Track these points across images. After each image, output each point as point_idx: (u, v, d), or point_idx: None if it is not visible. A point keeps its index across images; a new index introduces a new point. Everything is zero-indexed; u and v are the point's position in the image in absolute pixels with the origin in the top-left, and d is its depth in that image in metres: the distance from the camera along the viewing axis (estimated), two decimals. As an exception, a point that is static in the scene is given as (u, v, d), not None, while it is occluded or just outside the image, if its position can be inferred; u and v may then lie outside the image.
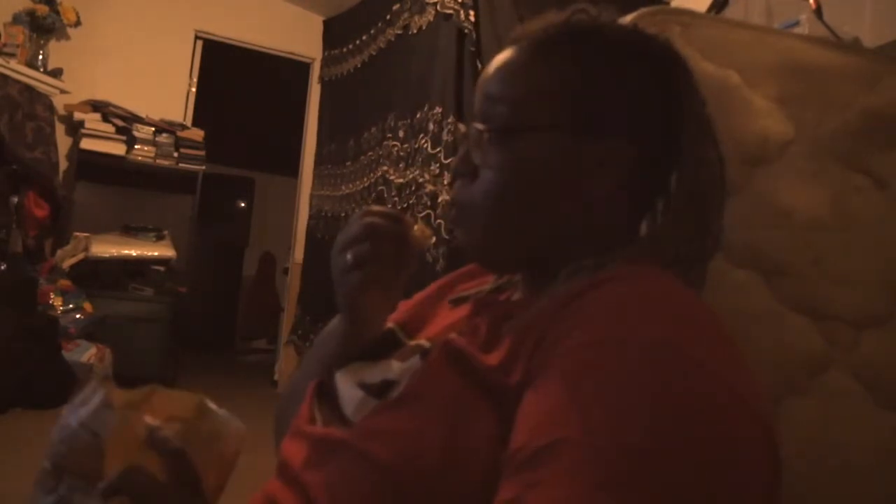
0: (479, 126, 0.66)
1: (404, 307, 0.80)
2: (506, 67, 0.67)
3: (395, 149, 3.68)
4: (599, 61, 0.64)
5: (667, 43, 0.68)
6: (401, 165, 3.59)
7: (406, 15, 3.80)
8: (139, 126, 4.18)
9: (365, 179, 4.10)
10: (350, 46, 4.56)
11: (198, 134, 4.41)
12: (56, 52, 4.07)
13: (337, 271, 0.69)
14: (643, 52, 0.66)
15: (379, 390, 0.63)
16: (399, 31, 3.91)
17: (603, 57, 0.64)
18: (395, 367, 0.66)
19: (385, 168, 3.78)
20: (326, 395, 0.68)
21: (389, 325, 0.77)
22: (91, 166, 4.15)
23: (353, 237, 0.67)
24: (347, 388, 0.66)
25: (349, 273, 0.67)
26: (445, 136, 3.20)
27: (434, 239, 2.93)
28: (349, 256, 0.67)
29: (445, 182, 3.13)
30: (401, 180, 3.54)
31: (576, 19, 0.67)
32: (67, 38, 4.17)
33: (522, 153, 0.64)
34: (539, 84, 0.64)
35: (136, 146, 4.15)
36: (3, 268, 3.32)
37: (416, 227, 0.69)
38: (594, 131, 0.63)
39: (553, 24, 0.67)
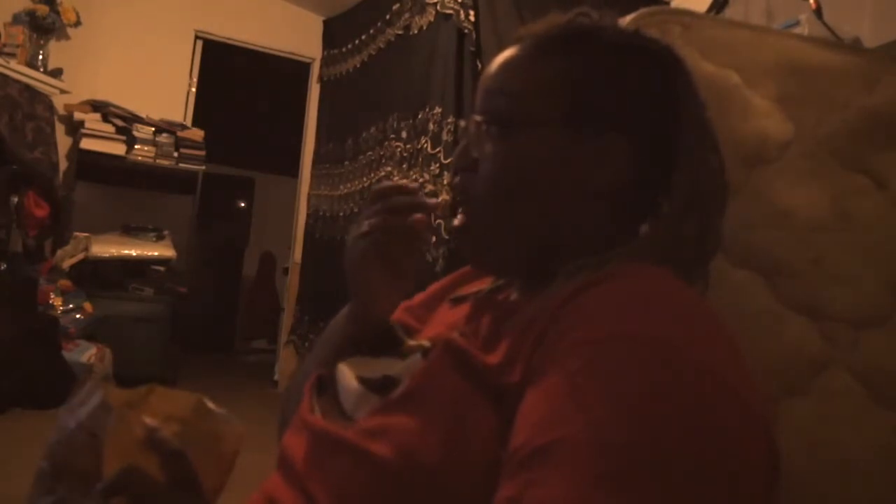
0: (478, 118, 0.66)
1: (405, 307, 0.80)
2: (507, 63, 0.67)
3: (399, 149, 3.68)
4: (600, 59, 0.65)
5: (667, 45, 0.68)
6: (404, 166, 3.59)
7: (406, 15, 3.80)
8: (139, 126, 4.18)
9: (364, 179, 4.10)
10: (350, 46, 4.56)
11: (198, 134, 4.40)
12: (56, 52, 4.07)
13: (349, 245, 0.70)
14: (644, 53, 0.66)
15: (379, 386, 0.63)
16: (399, 32, 3.91)
17: (603, 55, 0.65)
18: (396, 364, 0.66)
19: (388, 168, 3.78)
20: (326, 387, 0.68)
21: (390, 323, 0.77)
22: (91, 166, 4.14)
23: (369, 211, 0.68)
24: (347, 382, 0.66)
25: (358, 241, 0.68)
26: (445, 137, 3.20)
27: (438, 227, 2.89)
28: (363, 227, 0.68)
29: (445, 182, 3.13)
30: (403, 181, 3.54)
31: (578, 21, 0.68)
32: (67, 38, 4.17)
33: (520, 147, 0.64)
34: (538, 79, 0.65)
35: (136, 146, 4.15)
36: (3, 268, 3.31)
37: (433, 199, 0.69)
38: (592, 128, 0.63)
39: (556, 25, 0.68)
